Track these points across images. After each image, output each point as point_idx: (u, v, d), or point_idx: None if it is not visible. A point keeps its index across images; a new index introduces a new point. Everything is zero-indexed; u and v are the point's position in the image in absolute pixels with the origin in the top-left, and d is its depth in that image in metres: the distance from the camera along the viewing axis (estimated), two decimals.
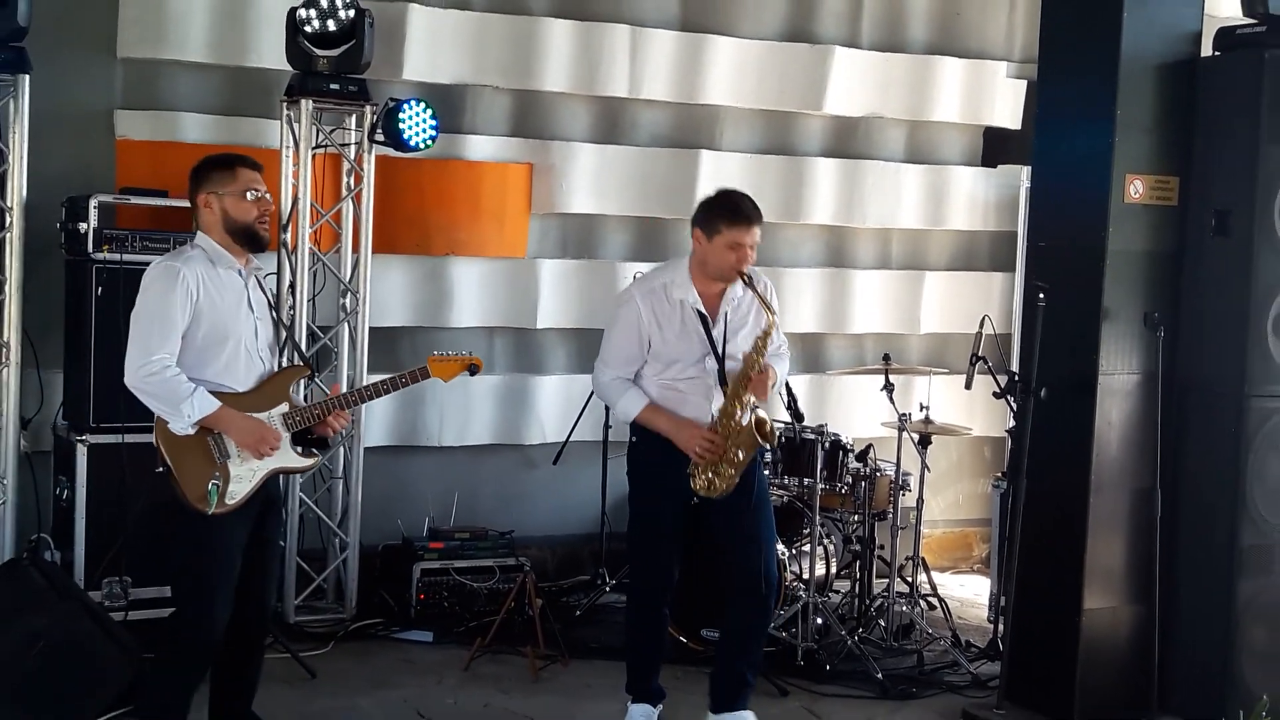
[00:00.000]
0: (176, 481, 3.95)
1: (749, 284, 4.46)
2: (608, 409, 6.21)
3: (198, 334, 3.96)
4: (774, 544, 4.71)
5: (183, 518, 3.95)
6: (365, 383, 5.85)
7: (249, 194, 4.05)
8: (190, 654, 4.00)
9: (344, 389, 5.93)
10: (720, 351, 4.52)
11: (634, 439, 4.65)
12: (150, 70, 5.97)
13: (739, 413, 4.45)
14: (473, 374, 4.41)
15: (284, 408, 4.11)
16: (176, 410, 3.90)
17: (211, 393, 3.95)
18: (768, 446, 4.56)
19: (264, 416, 4.06)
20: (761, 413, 4.50)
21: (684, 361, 4.52)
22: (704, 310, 4.53)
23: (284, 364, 4.29)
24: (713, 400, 4.53)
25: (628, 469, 4.66)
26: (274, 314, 4.23)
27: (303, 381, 4.49)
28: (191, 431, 3.94)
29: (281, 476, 5.77)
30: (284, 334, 4.27)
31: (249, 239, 4.07)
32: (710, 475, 4.45)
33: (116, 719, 4.58)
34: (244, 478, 4.01)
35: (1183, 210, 5.16)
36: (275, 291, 5.85)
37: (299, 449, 4.14)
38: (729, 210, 4.50)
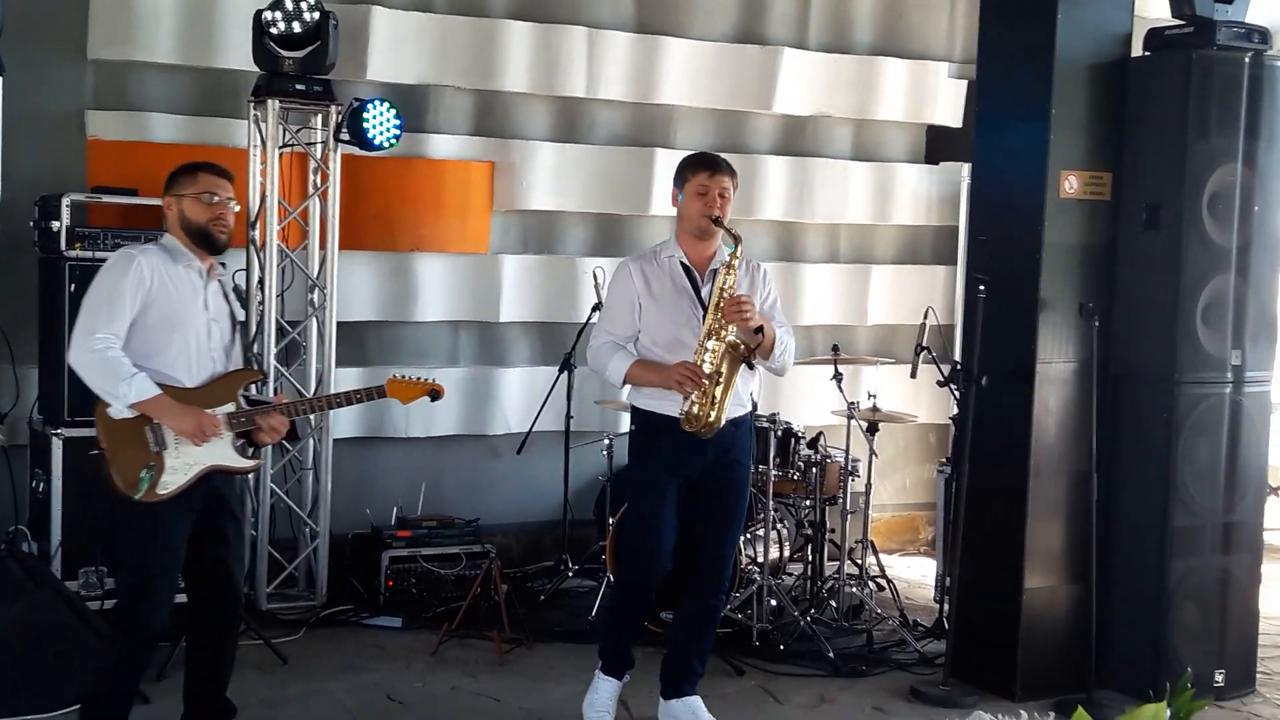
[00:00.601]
0: (109, 466, 3.87)
1: (719, 225, 4.38)
2: (570, 395, 6.24)
3: (147, 321, 3.88)
4: (735, 541, 4.67)
5: (120, 507, 3.88)
6: (335, 389, 5.84)
7: (205, 197, 4.00)
8: (131, 641, 3.93)
9: (314, 386, 5.98)
10: (707, 305, 4.39)
11: (634, 426, 4.58)
12: (120, 71, 5.91)
13: (715, 342, 4.31)
14: (434, 399, 4.28)
15: (230, 407, 4.01)
16: (114, 389, 3.81)
17: (158, 384, 3.87)
18: (744, 357, 4.33)
19: (209, 413, 3.96)
20: (736, 335, 4.32)
21: (672, 319, 4.42)
22: (690, 265, 4.48)
23: (257, 367, 4.26)
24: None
25: (630, 454, 4.60)
26: (234, 319, 4.15)
27: (255, 385, 4.38)
28: (129, 414, 3.85)
29: (252, 476, 5.84)
30: (247, 338, 4.22)
31: (202, 239, 4.01)
32: (695, 409, 4.29)
33: None
34: (179, 470, 3.90)
35: (1115, 205, 5.20)
36: (245, 287, 5.83)
37: (241, 449, 4.04)
38: (693, 159, 4.53)
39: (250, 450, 4.10)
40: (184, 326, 3.96)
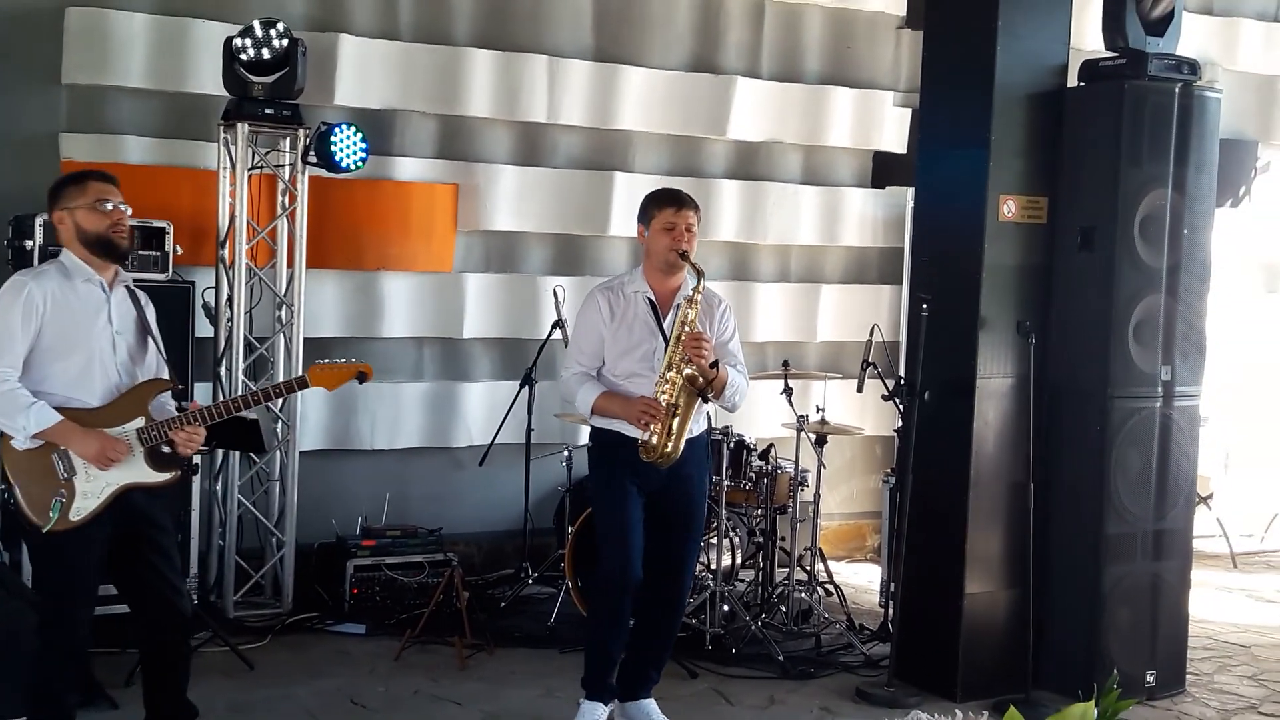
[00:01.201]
0: (17, 498, 3.71)
1: (685, 259, 4.36)
2: (530, 409, 6.21)
3: (44, 345, 3.73)
4: (695, 554, 4.61)
5: (32, 537, 3.74)
6: (303, 405, 5.81)
7: (100, 204, 3.82)
8: (53, 658, 3.79)
9: (281, 402, 5.91)
10: (668, 338, 4.39)
11: (591, 444, 4.56)
12: (94, 96, 5.85)
13: (674, 375, 4.30)
14: (361, 381, 4.00)
15: (139, 422, 3.83)
16: (13, 422, 3.66)
17: (60, 408, 3.72)
18: (699, 392, 4.30)
19: (117, 431, 3.80)
20: (693, 369, 4.29)
21: (636, 354, 4.41)
22: (654, 299, 4.46)
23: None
24: None
25: (590, 469, 4.56)
26: (144, 327, 3.96)
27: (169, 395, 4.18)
28: (31, 446, 3.71)
29: (219, 487, 5.78)
30: (159, 343, 3.97)
31: (105, 248, 3.83)
32: (654, 440, 4.27)
33: None
34: (91, 494, 3.75)
35: (1051, 227, 5.23)
36: (214, 304, 5.77)
37: (157, 463, 3.85)
38: (659, 195, 4.51)
39: (169, 462, 3.89)
40: (84, 346, 3.78)
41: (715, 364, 4.31)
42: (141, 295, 4.02)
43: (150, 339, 3.97)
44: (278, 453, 5.96)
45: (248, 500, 5.91)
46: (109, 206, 3.85)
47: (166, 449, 3.88)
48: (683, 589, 4.56)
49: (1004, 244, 5.14)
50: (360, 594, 5.89)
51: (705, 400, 4.39)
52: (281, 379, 5.89)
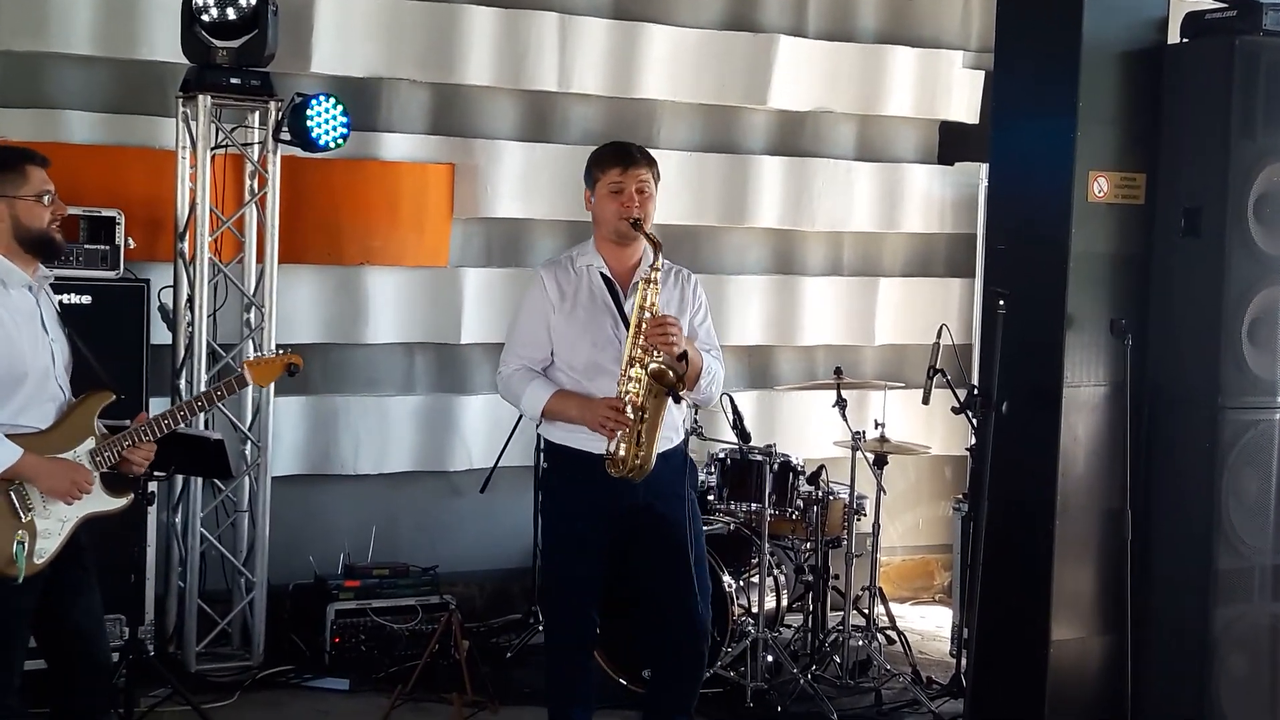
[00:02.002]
0: None
1: (639, 229, 4.25)
2: (524, 419, 6.18)
3: None
4: (707, 589, 4.52)
5: None
6: (274, 421, 5.85)
7: (42, 196, 3.81)
8: None
9: (250, 417, 5.95)
10: (629, 321, 4.25)
11: (546, 465, 4.48)
12: (31, 64, 5.89)
13: (636, 369, 4.17)
14: (291, 374, 4.16)
15: (90, 443, 3.86)
16: None
17: (11, 437, 3.72)
18: (668, 392, 4.17)
19: (69, 455, 3.83)
20: (658, 364, 4.16)
21: (592, 339, 4.29)
22: (612, 276, 4.35)
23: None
24: None
25: (540, 500, 4.52)
26: (64, 326, 3.95)
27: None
28: None
29: (179, 520, 5.80)
30: (76, 343, 3.96)
31: (44, 247, 3.84)
32: (621, 451, 4.18)
33: None
34: (52, 531, 3.78)
35: (1150, 209, 5.22)
36: (172, 306, 5.80)
37: (111, 488, 3.90)
38: (602, 152, 4.39)
39: (124, 485, 3.93)
40: (31, 366, 3.79)
41: (684, 355, 4.17)
42: (48, 288, 3.99)
43: (76, 341, 3.98)
44: (246, 478, 5.98)
45: (212, 535, 5.92)
46: (49, 199, 3.85)
47: (117, 470, 3.92)
48: (700, 628, 4.43)
49: (1094, 229, 5.13)
50: (343, 643, 5.90)
51: (677, 400, 4.23)
52: (251, 394, 5.92)
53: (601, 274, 4.37)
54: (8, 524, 3.74)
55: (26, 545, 3.74)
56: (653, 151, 6.60)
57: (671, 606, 4.42)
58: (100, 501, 3.89)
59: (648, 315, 4.20)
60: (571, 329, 4.34)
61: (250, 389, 5.92)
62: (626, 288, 4.37)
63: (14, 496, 3.75)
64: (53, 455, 3.80)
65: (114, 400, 3.98)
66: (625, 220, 4.28)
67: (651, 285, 4.22)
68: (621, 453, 4.20)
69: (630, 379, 4.21)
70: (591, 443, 4.26)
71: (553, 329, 4.35)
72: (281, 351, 4.21)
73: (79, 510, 3.84)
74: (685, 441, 4.51)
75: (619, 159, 4.34)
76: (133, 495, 3.97)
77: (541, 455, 6.14)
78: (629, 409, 4.18)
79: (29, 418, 3.80)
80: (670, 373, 4.16)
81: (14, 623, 3.81)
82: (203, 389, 5.75)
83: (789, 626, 6.13)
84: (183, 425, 4.04)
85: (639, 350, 4.19)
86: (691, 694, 4.54)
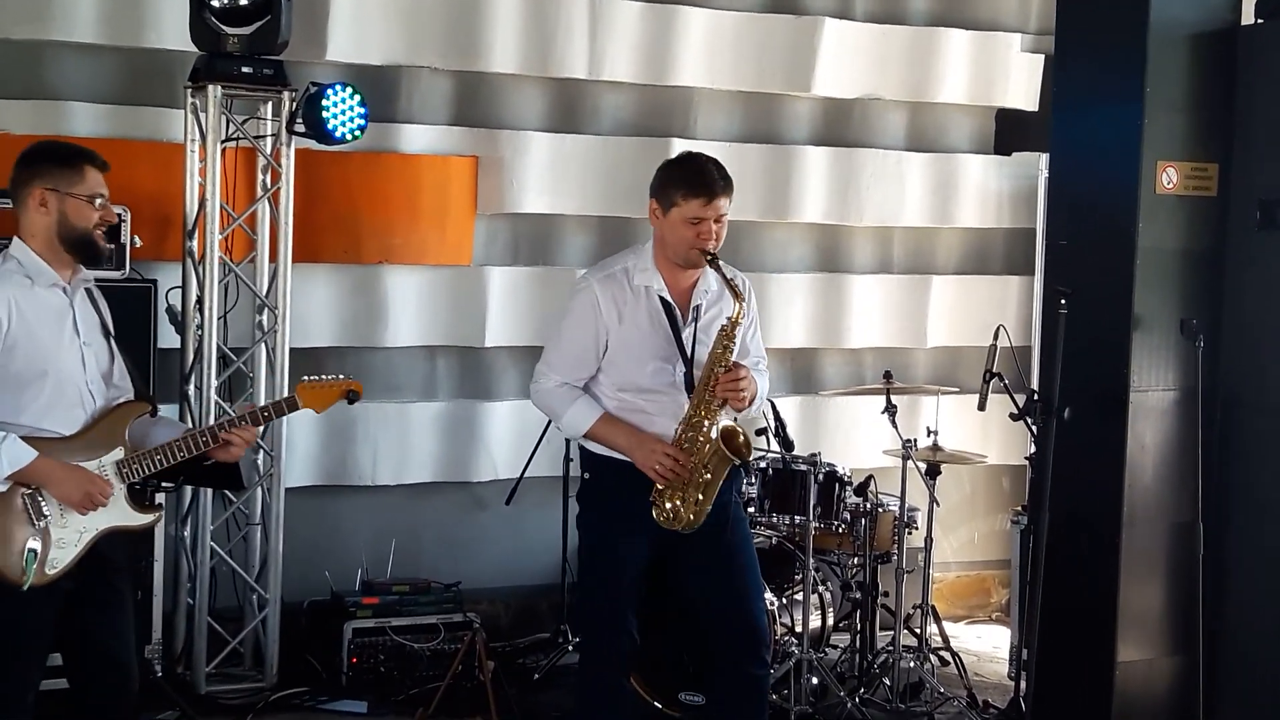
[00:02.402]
0: None
1: (713, 265, 4.27)
2: (568, 439, 6.20)
3: (9, 370, 3.75)
4: (761, 593, 4.60)
5: None
6: (288, 428, 5.87)
7: (94, 199, 3.86)
8: None
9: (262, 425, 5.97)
10: (690, 354, 4.34)
11: (586, 475, 4.51)
12: (31, 53, 5.93)
13: (706, 424, 4.25)
14: (351, 401, 4.15)
15: (118, 453, 3.89)
16: None
17: (29, 439, 3.75)
18: (739, 463, 4.31)
19: (93, 465, 3.85)
20: (732, 422, 4.29)
21: (648, 367, 4.33)
22: (671, 300, 4.36)
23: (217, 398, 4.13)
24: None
25: (579, 513, 4.53)
26: (107, 332, 4.01)
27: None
28: (2, 489, 3.75)
29: (189, 534, 5.84)
30: (121, 358, 4.01)
31: (85, 249, 3.89)
32: (674, 503, 4.26)
33: None
34: (68, 542, 3.80)
35: (1223, 201, 5.20)
36: (180, 308, 5.84)
37: (138, 502, 3.93)
38: (687, 177, 4.33)
39: (152, 502, 3.98)
40: (54, 365, 3.82)
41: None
42: (97, 293, 4.07)
43: (114, 349, 4.03)
44: (259, 490, 6.02)
45: (222, 549, 5.95)
46: (101, 203, 3.90)
47: (151, 485, 3.96)
48: (761, 638, 4.45)
49: (1163, 222, 5.11)
50: (361, 664, 5.92)
51: (746, 471, 4.36)
52: (266, 399, 5.94)
53: (661, 298, 4.37)
54: (21, 529, 3.77)
55: (39, 553, 3.77)
56: (688, 142, 6.82)
57: (728, 612, 4.42)
58: (123, 515, 3.91)
59: (721, 369, 4.23)
60: (625, 352, 4.35)
61: (262, 397, 5.98)
62: (685, 310, 4.39)
63: (28, 501, 3.79)
64: (71, 462, 3.83)
65: (147, 413, 4.02)
66: (698, 251, 4.28)
67: (730, 341, 4.25)
68: (670, 505, 4.27)
69: (692, 429, 4.25)
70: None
71: (607, 350, 4.36)
72: (340, 377, 4.18)
73: (98, 522, 3.86)
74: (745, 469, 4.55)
75: (704, 190, 4.28)
76: (160, 514, 4.02)
77: (572, 464, 6.26)
78: (690, 459, 4.23)
79: (52, 422, 3.83)
80: (741, 436, 4.24)
81: (25, 634, 3.83)
82: (211, 395, 5.79)
83: (835, 647, 6.13)
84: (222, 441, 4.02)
85: (705, 405, 4.25)
86: (760, 715, 4.52)
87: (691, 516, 4.27)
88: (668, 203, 4.34)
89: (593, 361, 4.38)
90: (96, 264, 4.02)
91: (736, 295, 4.26)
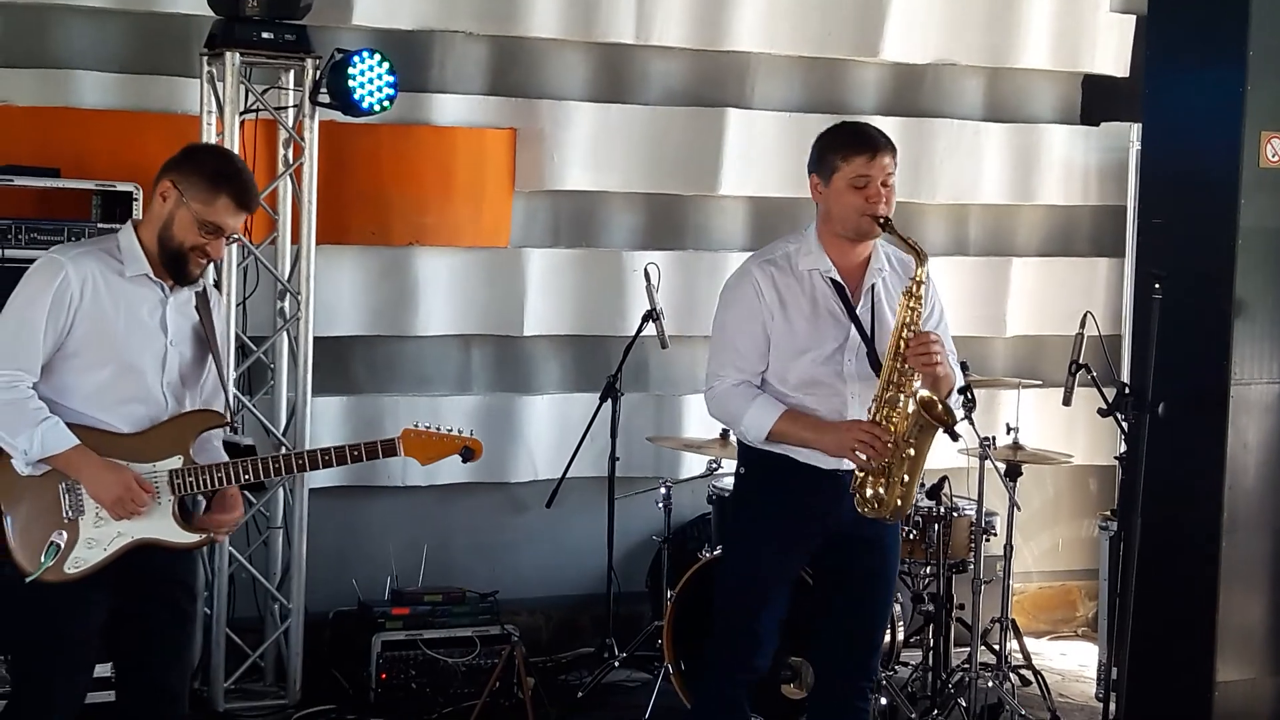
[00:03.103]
0: (4, 528, 3.79)
1: (888, 229, 4.22)
2: (615, 429, 6.25)
3: (70, 350, 3.80)
4: (886, 621, 4.57)
5: (11, 582, 3.79)
6: (311, 424, 5.94)
7: (211, 228, 3.84)
8: None
9: (284, 421, 6.03)
10: (870, 332, 4.28)
11: (742, 469, 4.50)
12: (35, 18, 5.99)
13: (901, 398, 4.18)
14: (466, 460, 4.11)
15: (176, 462, 3.88)
16: (14, 440, 3.74)
17: (78, 427, 3.78)
18: (945, 429, 4.21)
19: (145, 470, 3.85)
20: (927, 392, 4.18)
21: (813, 356, 4.30)
22: (842, 281, 4.33)
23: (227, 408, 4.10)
24: (854, 408, 4.30)
25: (731, 509, 4.54)
26: (204, 341, 4.01)
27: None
28: (34, 472, 3.77)
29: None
30: (217, 369, 4.06)
31: (172, 263, 3.88)
32: (875, 490, 4.21)
33: None
34: (98, 543, 3.81)
35: None
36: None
37: (185, 518, 3.91)
38: (844, 136, 4.34)
39: (191, 522, 3.95)
40: (123, 357, 3.86)
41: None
42: (214, 296, 4.08)
43: (212, 357, 4.06)
44: (281, 491, 6.07)
45: (242, 555, 6.01)
46: (209, 232, 3.86)
47: (202, 501, 3.97)
48: (871, 666, 4.48)
49: (1267, 199, 5.10)
50: (390, 679, 5.96)
51: (954, 437, 4.26)
52: (287, 392, 5.98)
53: (830, 280, 4.34)
54: (50, 518, 3.81)
55: (61, 548, 3.79)
56: (744, 113, 6.85)
57: (846, 637, 4.44)
58: (165, 529, 3.89)
59: (909, 334, 4.19)
60: (790, 342, 4.33)
61: (284, 389, 6.05)
62: (857, 290, 4.36)
63: (64, 492, 3.82)
64: (123, 462, 3.85)
65: (222, 423, 4.05)
66: (871, 217, 4.25)
67: (916, 302, 4.21)
68: (871, 493, 4.22)
69: (886, 405, 4.21)
70: (802, 451, 4.29)
71: (773, 339, 4.34)
72: (456, 431, 4.12)
73: (135, 530, 3.86)
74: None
75: (864, 145, 4.27)
76: (207, 535, 3.98)
77: (619, 463, 6.28)
78: (890, 435, 4.18)
79: (106, 413, 3.86)
80: (940, 403, 4.18)
81: (49, 632, 3.87)
82: (230, 388, 5.84)
83: (906, 664, 6.14)
84: (292, 475, 4.01)
85: (897, 374, 4.20)
86: None
87: (899, 501, 4.23)
88: (829, 170, 4.32)
89: (765, 352, 4.34)
90: (181, 283, 3.95)
91: (919, 255, 4.21)
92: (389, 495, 6.55)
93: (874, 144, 4.27)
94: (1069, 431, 6.92)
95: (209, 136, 5.83)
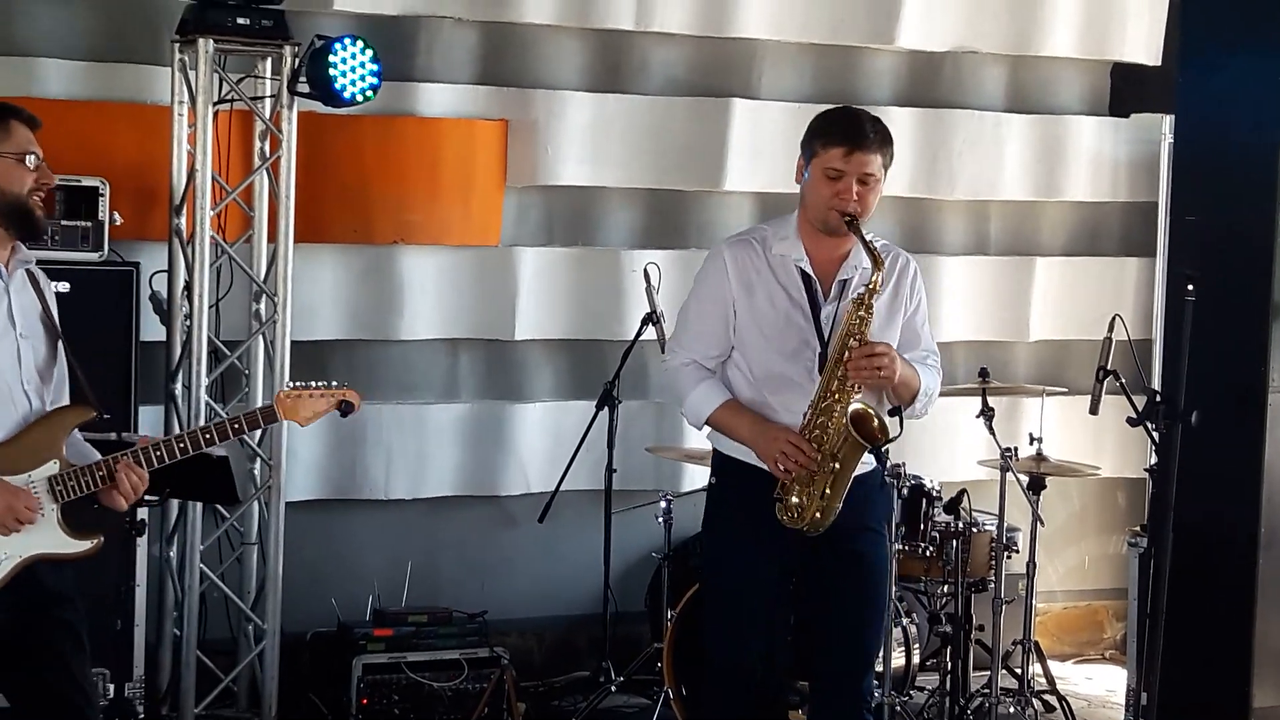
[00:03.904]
0: None
1: (853, 229, 4.23)
2: (612, 439, 6.24)
3: None
4: (878, 640, 4.60)
5: None
6: (288, 431, 5.88)
7: (25, 158, 3.81)
8: None
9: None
10: (827, 335, 4.32)
11: (713, 479, 4.55)
12: None
13: (838, 409, 4.23)
14: (344, 414, 4.11)
15: (52, 467, 3.82)
16: None
17: None
18: (872, 449, 4.27)
19: (21, 480, 3.78)
20: (862, 405, 4.24)
21: (781, 349, 4.35)
22: (812, 273, 4.36)
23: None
24: None
25: (704, 521, 4.57)
26: (50, 325, 3.94)
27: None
28: None
29: (175, 555, 5.88)
30: (65, 353, 3.95)
31: (22, 219, 3.82)
32: (800, 499, 4.25)
33: None
34: None
35: None
36: (166, 295, 5.87)
37: (73, 526, 3.84)
38: (829, 122, 4.35)
39: (90, 526, 3.88)
40: None
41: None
42: (40, 276, 4.00)
43: (60, 343, 3.97)
44: (255, 504, 6.05)
45: (214, 572, 5.99)
46: (34, 162, 3.85)
47: (95, 506, 3.90)
48: (861, 688, 4.47)
49: None
50: (372, 704, 5.95)
51: (879, 459, 4.33)
52: (263, 400, 5.98)
53: (800, 269, 4.37)
54: None
55: None
56: (751, 103, 6.82)
57: (838, 664, 4.46)
58: (54, 540, 3.83)
59: (854, 343, 4.22)
60: (756, 330, 4.37)
61: (259, 396, 6.04)
62: (829, 286, 4.37)
63: None
64: None
65: (93, 418, 3.97)
66: (836, 213, 4.26)
67: (866, 311, 4.23)
68: (796, 500, 4.26)
69: (821, 414, 4.24)
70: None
71: (736, 322, 4.38)
72: (332, 385, 4.12)
73: (21, 547, 3.79)
74: (883, 465, 4.51)
75: (846, 136, 4.27)
76: (99, 540, 3.90)
77: (615, 475, 6.27)
78: (817, 450, 4.21)
79: None
80: (875, 419, 4.21)
81: None
82: (202, 396, 5.82)
83: (922, 689, 6.13)
84: (176, 458, 3.93)
85: (837, 383, 4.22)
86: None
87: (818, 514, 4.26)
88: (809, 154, 4.35)
89: (723, 336, 4.40)
90: (35, 237, 3.94)
91: (876, 261, 4.22)
92: (371, 509, 6.55)
93: (857, 139, 4.26)
94: (1096, 442, 6.91)
95: (181, 128, 5.85)
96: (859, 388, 4.21)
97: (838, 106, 4.57)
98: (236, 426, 4.05)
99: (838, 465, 4.24)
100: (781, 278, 4.37)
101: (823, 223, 4.32)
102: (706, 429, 4.49)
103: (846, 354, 4.21)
